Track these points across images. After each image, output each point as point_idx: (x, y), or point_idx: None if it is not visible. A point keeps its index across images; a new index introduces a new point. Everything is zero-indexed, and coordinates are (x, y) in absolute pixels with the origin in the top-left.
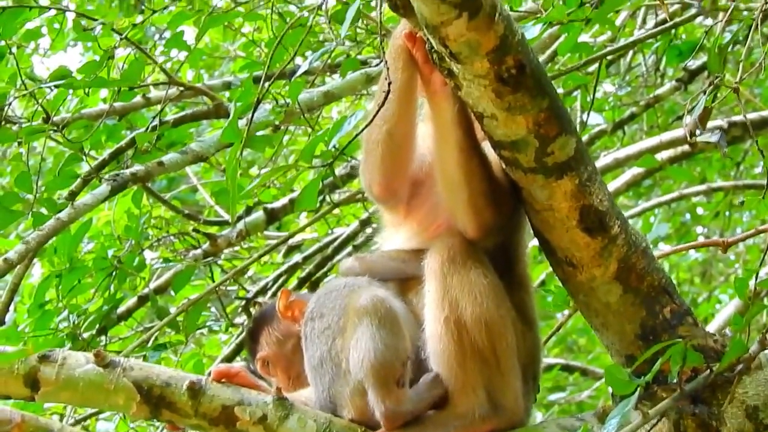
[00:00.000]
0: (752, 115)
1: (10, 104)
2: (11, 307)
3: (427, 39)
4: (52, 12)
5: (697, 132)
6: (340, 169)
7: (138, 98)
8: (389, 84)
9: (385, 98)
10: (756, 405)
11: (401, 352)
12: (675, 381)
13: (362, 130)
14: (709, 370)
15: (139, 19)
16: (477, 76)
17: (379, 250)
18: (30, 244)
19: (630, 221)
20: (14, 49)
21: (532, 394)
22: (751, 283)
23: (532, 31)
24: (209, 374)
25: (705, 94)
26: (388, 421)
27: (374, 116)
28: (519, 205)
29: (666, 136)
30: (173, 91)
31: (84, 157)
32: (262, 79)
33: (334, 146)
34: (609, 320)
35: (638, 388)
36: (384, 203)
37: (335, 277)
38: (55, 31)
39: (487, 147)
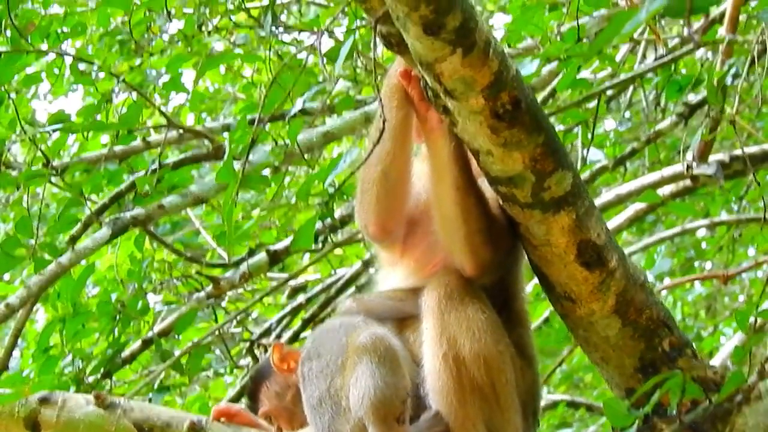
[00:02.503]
0: (754, 149)
1: (9, 149)
2: (17, 353)
3: (422, 76)
4: (51, 56)
5: (695, 165)
6: (341, 210)
7: (138, 142)
8: (384, 122)
9: (380, 137)
10: None
11: (401, 390)
12: (675, 413)
13: (358, 167)
14: (708, 402)
15: (137, 62)
16: (472, 112)
17: (377, 291)
18: (31, 289)
19: (633, 257)
20: (13, 95)
21: (532, 429)
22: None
23: (529, 67)
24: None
25: (702, 127)
26: None
27: (369, 155)
28: (516, 241)
29: (667, 171)
30: (173, 134)
31: (85, 202)
32: (256, 120)
33: (332, 185)
34: (608, 354)
35: (636, 421)
36: (380, 243)
37: (331, 318)
38: (55, 76)
39: (483, 183)
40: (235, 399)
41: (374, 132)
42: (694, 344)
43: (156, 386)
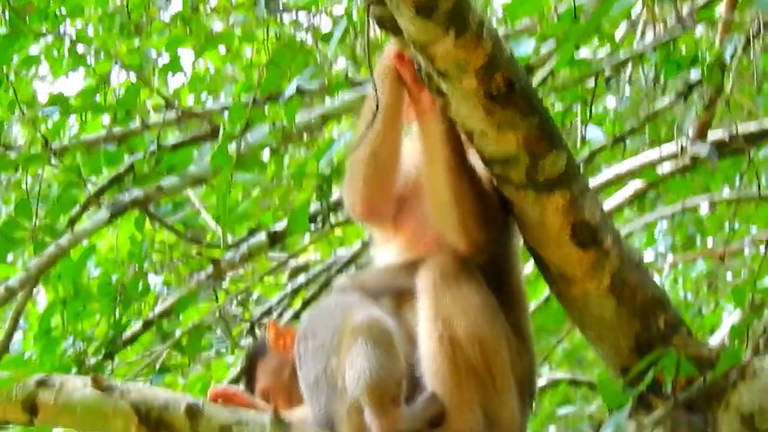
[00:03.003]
0: (753, 126)
1: (9, 130)
2: (19, 335)
3: (416, 58)
4: (50, 38)
5: (689, 145)
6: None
7: (137, 123)
8: (377, 103)
9: (374, 118)
10: (752, 412)
11: (396, 372)
12: (669, 391)
13: (354, 149)
14: (702, 379)
15: (137, 43)
16: (466, 93)
17: (372, 267)
18: (31, 272)
19: (634, 235)
20: (12, 76)
21: (529, 410)
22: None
23: (526, 47)
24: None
25: (696, 106)
26: None
27: (362, 136)
28: (510, 219)
29: (667, 148)
30: (171, 115)
31: (84, 183)
32: (250, 101)
33: (329, 166)
34: (604, 333)
35: (630, 400)
36: (367, 222)
37: (326, 296)
38: (53, 58)
39: (476, 165)
40: (237, 379)
41: (367, 113)
42: (696, 321)
43: (157, 367)
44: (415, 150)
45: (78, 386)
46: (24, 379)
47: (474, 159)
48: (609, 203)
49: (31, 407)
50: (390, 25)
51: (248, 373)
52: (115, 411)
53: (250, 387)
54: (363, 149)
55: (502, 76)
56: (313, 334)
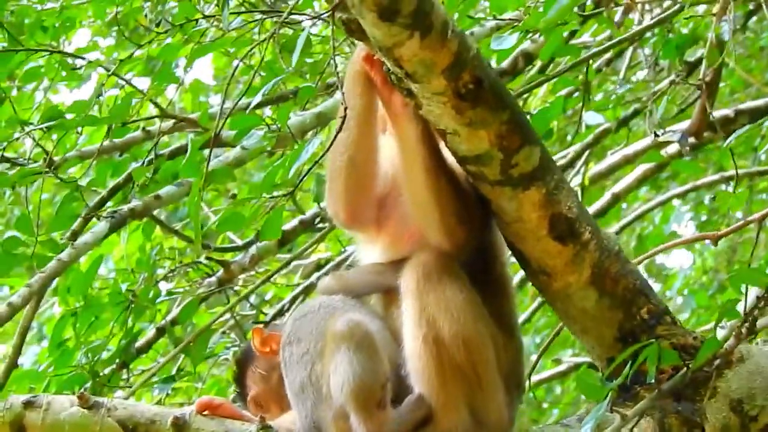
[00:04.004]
0: (759, 102)
1: (4, 148)
2: (35, 348)
3: (384, 61)
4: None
5: (660, 131)
6: None
7: (138, 132)
8: (346, 110)
9: (341, 125)
10: (740, 398)
11: (380, 375)
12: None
13: (319, 159)
14: (686, 368)
15: (137, 52)
16: (435, 93)
17: (357, 266)
18: (33, 287)
19: (650, 214)
20: (15, 91)
21: (517, 402)
22: None
23: (509, 41)
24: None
25: (670, 92)
26: None
27: (331, 144)
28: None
29: (671, 129)
30: (168, 123)
31: (82, 196)
32: (220, 107)
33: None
34: (587, 325)
35: (609, 393)
36: (352, 228)
37: (310, 299)
38: (54, 71)
39: (453, 160)
40: None
41: (340, 120)
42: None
43: (173, 373)
44: (391, 148)
45: (65, 405)
46: (11, 401)
47: (450, 156)
48: (619, 186)
49: (18, 429)
50: (356, 29)
51: (238, 380)
52: (102, 428)
53: (242, 394)
54: (340, 157)
55: (469, 74)
56: (298, 340)
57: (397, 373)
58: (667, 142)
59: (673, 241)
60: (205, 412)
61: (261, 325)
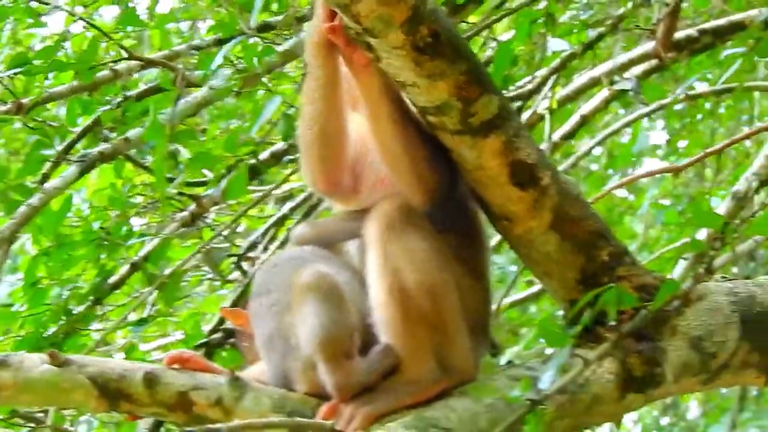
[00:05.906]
0: (721, 21)
1: None
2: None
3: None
4: None
5: (615, 79)
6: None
7: (106, 72)
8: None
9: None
10: (700, 335)
11: (348, 326)
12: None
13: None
14: (644, 309)
15: None
16: (394, 48)
17: (332, 214)
18: (4, 233)
19: (619, 133)
20: None
21: (483, 346)
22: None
23: None
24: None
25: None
26: (339, 393)
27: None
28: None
29: (637, 50)
30: (135, 64)
31: (51, 141)
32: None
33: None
34: (550, 269)
35: (570, 341)
36: (332, 196)
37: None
38: (21, 11)
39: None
40: (235, 303)
41: (307, 90)
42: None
43: (145, 314)
44: (359, 116)
45: (36, 363)
46: None
47: (413, 107)
48: (586, 107)
49: None
50: None
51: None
52: (74, 385)
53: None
54: (310, 130)
55: (427, 28)
56: (267, 291)
57: (367, 323)
58: (641, 57)
59: (635, 173)
60: (175, 366)
61: (226, 305)
